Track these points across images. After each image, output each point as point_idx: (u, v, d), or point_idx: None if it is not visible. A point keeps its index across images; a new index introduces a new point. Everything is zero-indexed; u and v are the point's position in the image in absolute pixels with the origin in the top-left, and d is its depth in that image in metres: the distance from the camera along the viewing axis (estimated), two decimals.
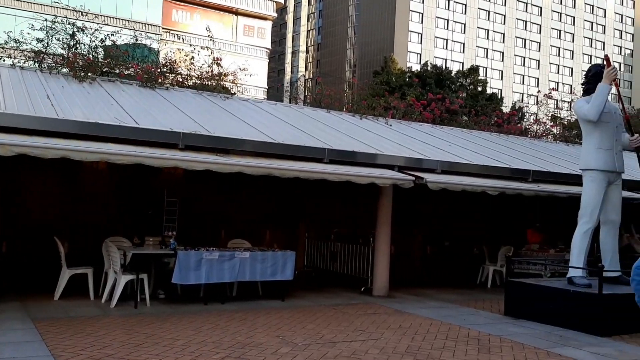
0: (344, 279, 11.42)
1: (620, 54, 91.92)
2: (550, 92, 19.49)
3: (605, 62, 8.40)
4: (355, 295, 10.32)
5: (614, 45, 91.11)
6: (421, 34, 76.01)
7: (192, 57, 13.21)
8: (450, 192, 10.36)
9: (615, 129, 8.60)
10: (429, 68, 46.14)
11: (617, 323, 7.71)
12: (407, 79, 44.73)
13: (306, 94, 25.33)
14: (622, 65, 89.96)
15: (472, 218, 15.11)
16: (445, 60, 73.47)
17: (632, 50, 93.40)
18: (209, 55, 13.28)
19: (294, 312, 8.35)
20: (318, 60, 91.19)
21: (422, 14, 76.66)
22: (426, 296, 10.59)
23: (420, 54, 72.70)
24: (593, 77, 8.62)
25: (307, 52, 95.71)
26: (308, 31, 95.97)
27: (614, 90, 8.57)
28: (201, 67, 13.20)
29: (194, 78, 13.01)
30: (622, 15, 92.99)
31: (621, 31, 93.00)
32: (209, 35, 15.08)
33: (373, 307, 9.17)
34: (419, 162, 10.53)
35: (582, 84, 9.01)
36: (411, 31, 75.53)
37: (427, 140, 13.06)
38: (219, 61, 13.36)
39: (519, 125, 17.18)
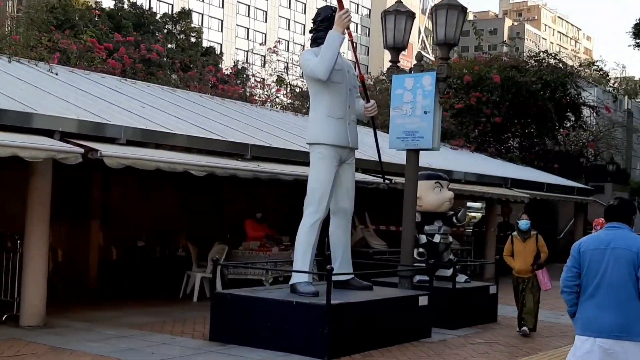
0: None
1: (357, 13, 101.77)
2: (275, 47, 19.97)
3: (337, 5, 8.43)
4: None
5: (351, 2, 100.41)
6: None
7: None
8: (144, 171, 9.62)
9: (349, 92, 8.74)
10: (125, 6, 44.51)
11: (348, 341, 7.86)
12: (96, 18, 42.46)
13: None
14: (358, 26, 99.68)
15: (179, 207, 14.63)
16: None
17: (370, 10, 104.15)
18: None
19: None
20: None
21: None
22: (103, 321, 9.64)
23: None
24: (323, 23, 8.63)
25: None
26: None
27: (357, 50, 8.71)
28: None
29: None
30: None
31: None
32: None
33: (17, 344, 7.90)
34: (95, 128, 9.56)
35: (310, 32, 9.00)
36: None
37: (111, 98, 12.04)
38: None
39: (239, 87, 17.20)
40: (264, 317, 8.09)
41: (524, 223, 9.78)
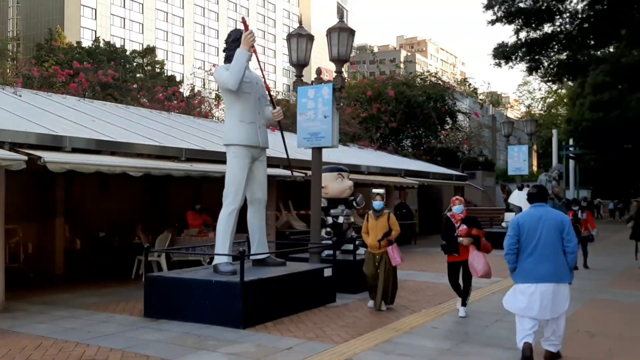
0: None
1: (264, 37, 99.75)
2: (211, 70, 18.88)
3: (244, 27, 7.59)
4: None
5: (284, 24, 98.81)
6: (95, 9, 70.10)
7: None
8: (104, 173, 8.59)
9: (258, 100, 7.91)
10: (101, 44, 42.40)
11: (261, 311, 7.02)
12: (77, 55, 40.27)
13: None
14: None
15: (135, 203, 13.51)
16: (124, 39, 69.37)
17: (274, 36, 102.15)
18: None
19: None
20: None
21: None
22: (59, 303, 8.51)
23: (96, 31, 66.92)
24: (233, 43, 7.78)
25: None
26: None
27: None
28: None
29: None
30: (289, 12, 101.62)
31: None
32: None
33: None
34: (43, 139, 8.39)
35: (223, 51, 8.11)
36: (84, 5, 68.99)
37: (67, 114, 10.84)
38: None
39: (182, 102, 16.08)
40: (189, 294, 7.16)
41: (377, 203, 7.95)
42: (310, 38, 9.20)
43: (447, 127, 27.30)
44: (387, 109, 24.05)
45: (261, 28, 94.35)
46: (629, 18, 20.62)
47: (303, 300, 7.83)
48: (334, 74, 9.14)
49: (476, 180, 28.72)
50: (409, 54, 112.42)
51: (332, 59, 9.02)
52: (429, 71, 27.33)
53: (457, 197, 7.58)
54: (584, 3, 21.38)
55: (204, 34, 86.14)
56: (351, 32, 8.98)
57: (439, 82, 26.37)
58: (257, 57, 7.67)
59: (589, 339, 6.50)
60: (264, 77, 8.01)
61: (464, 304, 7.62)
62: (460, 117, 28.53)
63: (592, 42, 23.83)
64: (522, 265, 5.40)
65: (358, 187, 19.99)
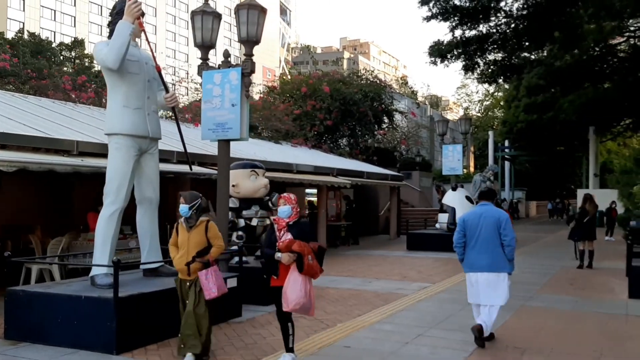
0: None
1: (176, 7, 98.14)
2: None
3: None
4: None
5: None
6: (24, 0, 66.16)
7: None
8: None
9: (147, 83, 6.73)
10: (25, 36, 39.68)
11: (141, 332, 5.87)
12: None
13: None
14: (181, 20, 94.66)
15: (34, 204, 12.00)
16: (55, 32, 65.80)
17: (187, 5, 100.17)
18: None
19: None
20: None
21: None
22: None
23: (24, 23, 63.08)
24: (118, 16, 6.58)
25: None
26: None
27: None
28: None
29: None
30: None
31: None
32: None
33: None
34: None
35: (107, 25, 6.91)
36: None
37: None
38: None
39: (91, 93, 14.58)
40: (56, 313, 5.92)
41: (182, 208, 5.31)
42: (217, 16, 8.10)
43: (385, 126, 26.68)
44: (322, 106, 23.18)
45: (171, 12, 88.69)
46: (561, 20, 20.57)
47: None
48: (244, 57, 8.06)
49: (413, 180, 28.30)
50: (352, 55, 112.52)
51: (240, 40, 7.94)
52: (365, 68, 26.62)
53: (283, 194, 5.27)
54: (519, 3, 21.21)
55: None
56: (262, 10, 7.93)
57: (376, 80, 25.73)
58: (144, 32, 6.52)
59: (519, 356, 5.71)
60: (154, 56, 6.85)
61: (288, 350, 5.16)
62: (397, 116, 28.01)
63: (527, 44, 23.75)
64: (467, 257, 6.12)
65: (289, 187, 19.04)
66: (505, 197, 36.06)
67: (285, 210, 5.10)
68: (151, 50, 6.77)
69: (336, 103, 23.35)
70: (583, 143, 35.63)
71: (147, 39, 6.63)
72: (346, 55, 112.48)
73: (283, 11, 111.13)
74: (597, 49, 24.41)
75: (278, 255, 4.98)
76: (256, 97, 26.48)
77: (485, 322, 5.92)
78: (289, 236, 5.02)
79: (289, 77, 26.38)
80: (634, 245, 10.36)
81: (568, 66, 24.72)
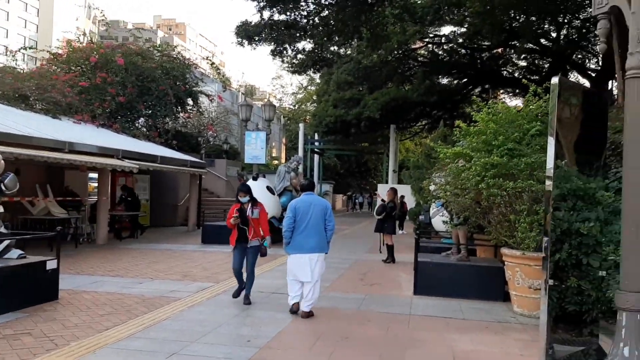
0: None
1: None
2: None
3: None
4: None
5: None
6: None
7: None
8: None
9: None
10: None
11: None
12: None
13: None
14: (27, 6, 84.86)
15: None
16: None
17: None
18: None
19: None
20: None
21: None
22: None
23: None
24: None
25: None
26: None
27: None
28: None
29: None
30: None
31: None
32: None
33: None
34: None
35: None
36: None
37: None
38: None
39: None
40: None
41: None
42: None
43: (189, 108, 24.89)
44: (115, 80, 20.65)
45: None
46: (369, 18, 20.83)
47: None
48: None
49: (218, 168, 26.98)
50: (166, 35, 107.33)
51: None
52: (167, 43, 24.52)
53: None
54: None
55: None
56: None
57: (180, 57, 23.80)
58: None
59: None
60: None
61: None
62: (204, 100, 26.39)
63: (336, 37, 23.83)
64: (295, 239, 6.89)
65: (66, 168, 16.46)
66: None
67: None
68: None
69: (132, 78, 20.98)
70: (385, 140, 37.55)
71: None
72: (160, 34, 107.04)
73: None
74: (401, 51, 25.42)
75: None
76: (38, 63, 22.89)
77: (310, 299, 6.88)
78: None
79: (82, 44, 23.13)
80: (421, 239, 10.31)
81: (374, 65, 25.38)
